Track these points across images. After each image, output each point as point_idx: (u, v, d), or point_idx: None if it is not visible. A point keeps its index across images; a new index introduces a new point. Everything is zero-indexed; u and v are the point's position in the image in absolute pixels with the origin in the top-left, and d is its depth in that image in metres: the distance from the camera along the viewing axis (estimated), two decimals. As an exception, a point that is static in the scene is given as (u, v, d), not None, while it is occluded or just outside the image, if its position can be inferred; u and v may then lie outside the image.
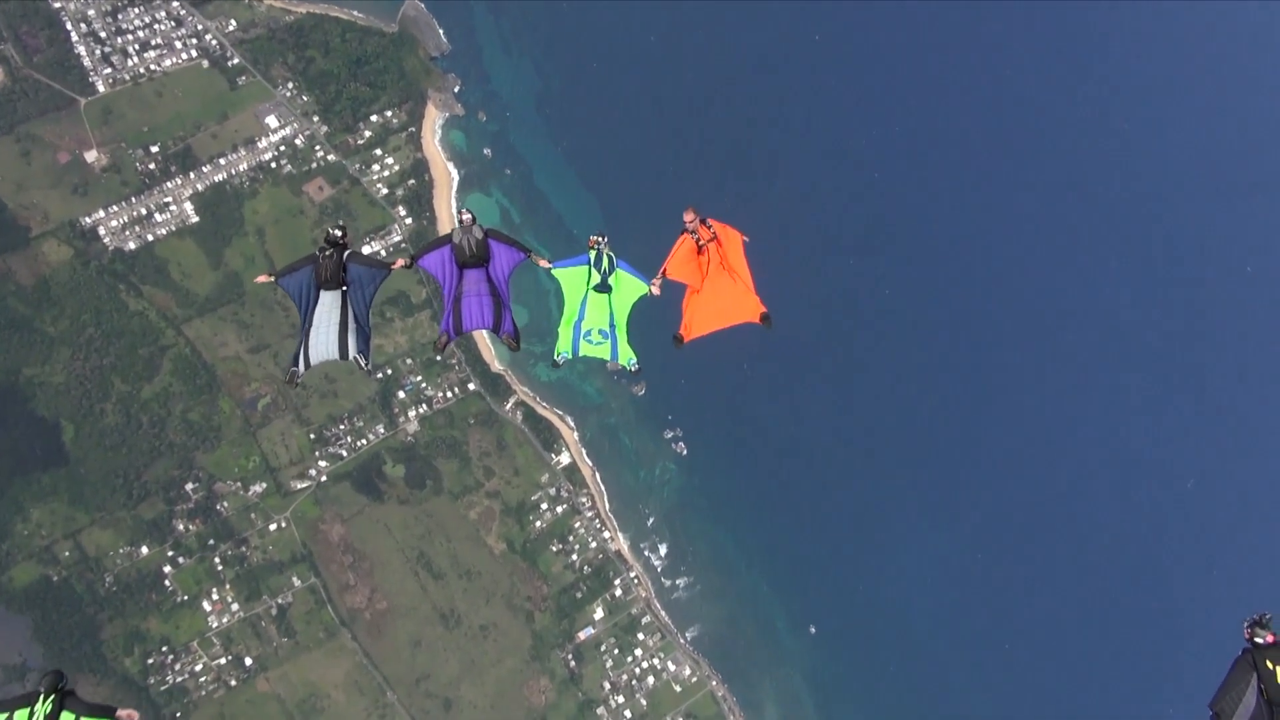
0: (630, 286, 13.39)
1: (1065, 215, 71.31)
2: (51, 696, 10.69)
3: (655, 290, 13.22)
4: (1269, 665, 9.85)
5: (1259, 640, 10.03)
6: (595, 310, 13.29)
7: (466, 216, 13.15)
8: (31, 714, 10.58)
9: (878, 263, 70.93)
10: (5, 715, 10.63)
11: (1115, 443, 69.92)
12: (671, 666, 65.34)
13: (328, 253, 12.69)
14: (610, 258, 13.21)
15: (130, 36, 66.37)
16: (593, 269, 13.18)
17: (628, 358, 13.39)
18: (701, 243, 13.38)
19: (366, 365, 13.18)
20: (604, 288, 13.19)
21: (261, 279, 13.26)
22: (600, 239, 13.32)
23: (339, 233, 12.82)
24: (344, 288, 12.72)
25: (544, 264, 13.52)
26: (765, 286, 13.59)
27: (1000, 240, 71.74)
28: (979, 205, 71.39)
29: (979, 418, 71.27)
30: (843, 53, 73.84)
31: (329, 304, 12.69)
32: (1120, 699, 66.34)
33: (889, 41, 73.88)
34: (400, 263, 13.47)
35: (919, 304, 71.44)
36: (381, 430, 65.13)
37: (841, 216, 72.23)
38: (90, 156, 64.22)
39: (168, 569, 60.76)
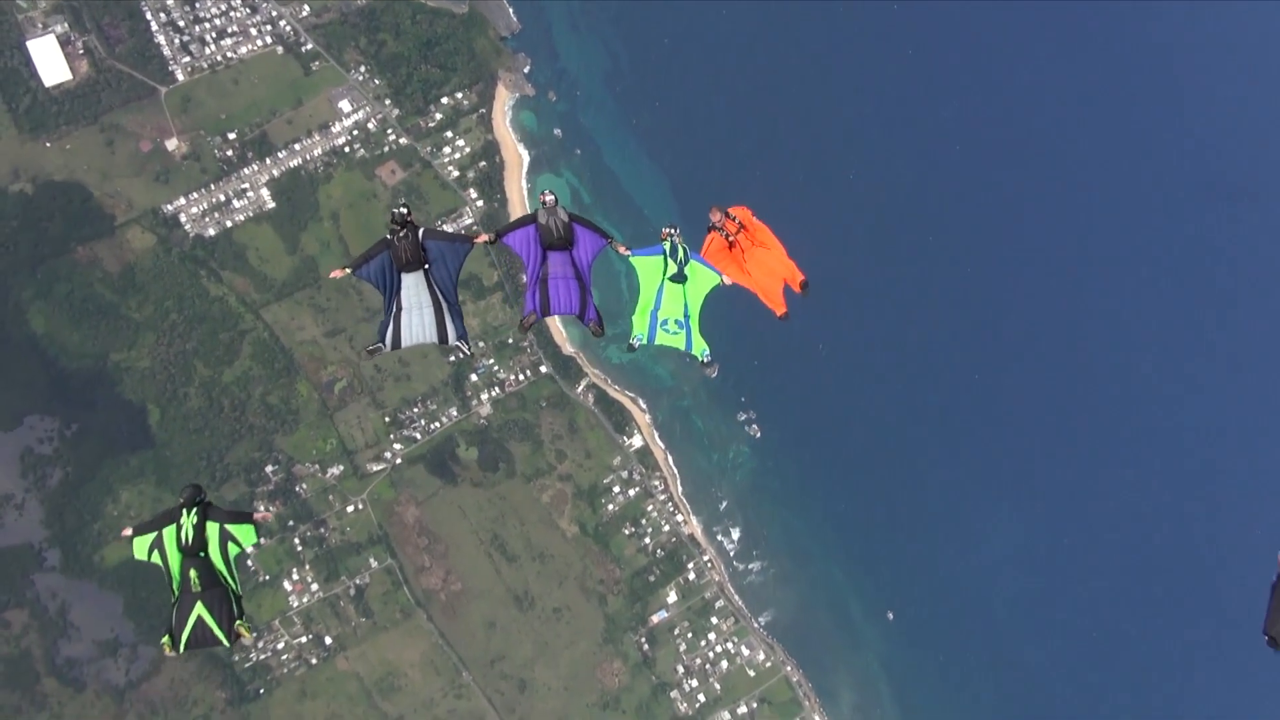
0: (704, 278, 13.62)
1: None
2: (194, 509, 11.22)
3: (727, 280, 13.52)
4: None
5: None
6: (671, 300, 13.52)
7: (550, 198, 13.16)
8: (179, 528, 11.11)
9: (959, 241, 68.57)
10: (154, 534, 11.29)
11: (1207, 423, 66.68)
12: (745, 651, 64.71)
13: (401, 233, 12.50)
14: (685, 249, 13.43)
15: (207, 25, 67.15)
16: (669, 259, 13.45)
17: (700, 349, 13.64)
18: (731, 237, 13.75)
19: (469, 350, 13.43)
20: (679, 278, 13.42)
21: (337, 274, 13.20)
22: (672, 230, 13.58)
23: (405, 210, 12.59)
24: (426, 266, 12.59)
25: (623, 250, 13.65)
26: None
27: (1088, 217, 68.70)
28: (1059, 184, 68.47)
29: (1063, 397, 68.62)
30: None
31: (414, 286, 12.57)
32: (1209, 690, 63.82)
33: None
34: (484, 237, 13.38)
35: (1003, 283, 68.96)
36: (455, 413, 65.44)
37: (916, 198, 69.98)
38: (171, 145, 65.38)
39: (249, 549, 61.98)
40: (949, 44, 71.01)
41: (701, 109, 70.92)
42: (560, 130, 70.26)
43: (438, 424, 65.13)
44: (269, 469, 62.97)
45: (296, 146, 66.87)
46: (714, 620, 64.76)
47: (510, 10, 70.44)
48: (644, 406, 67.33)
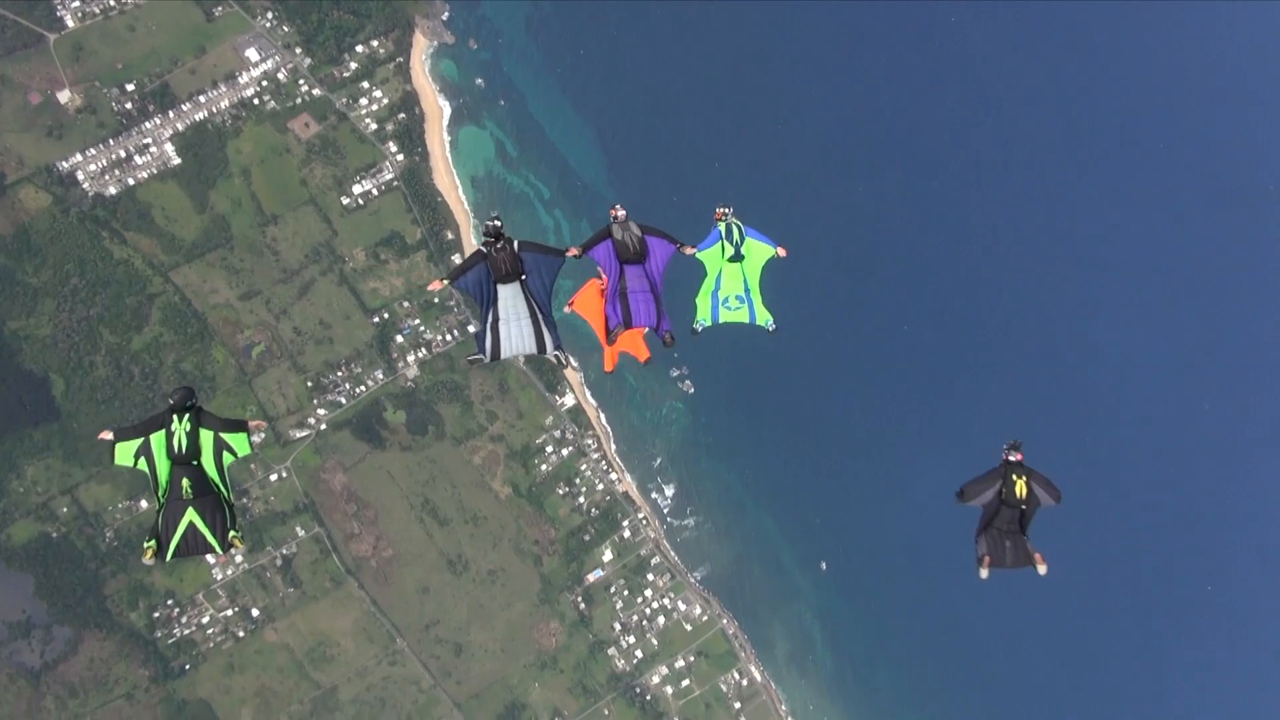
0: (759, 251, 14.01)
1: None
2: (185, 414, 10.77)
3: (782, 252, 14.00)
4: (1013, 478, 12.40)
5: (1010, 458, 12.64)
6: (730, 279, 13.88)
7: (621, 213, 13.54)
8: (169, 434, 10.65)
9: (888, 192, 68.35)
10: (139, 440, 10.79)
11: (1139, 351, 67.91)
12: (682, 606, 64.93)
13: (498, 245, 12.74)
14: (739, 227, 13.79)
15: (98, -34, 62.75)
16: (725, 242, 13.77)
17: (765, 319, 13.96)
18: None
19: (566, 362, 13.69)
20: (737, 257, 13.77)
21: (435, 285, 13.79)
22: (726, 210, 13.94)
23: (498, 223, 12.91)
24: (522, 277, 12.93)
25: (689, 251, 13.93)
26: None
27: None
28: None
29: (993, 345, 69.42)
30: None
31: (511, 296, 12.86)
32: (1129, 628, 66.27)
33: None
34: (573, 251, 13.70)
35: (923, 233, 69.02)
36: (380, 376, 63.53)
37: (842, 147, 69.42)
38: (63, 97, 61.23)
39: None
40: None
41: (627, 56, 68.90)
42: (483, 80, 67.71)
43: (363, 387, 63.17)
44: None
45: (201, 98, 63.25)
46: (650, 577, 64.72)
47: (426, -47, 67.23)
48: (575, 365, 66.18)
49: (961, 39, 69.20)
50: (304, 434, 61.92)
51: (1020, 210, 68.49)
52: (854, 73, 69.26)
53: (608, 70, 68.68)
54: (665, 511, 66.15)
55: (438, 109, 66.65)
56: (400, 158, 65.44)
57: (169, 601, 59.05)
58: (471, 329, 65.00)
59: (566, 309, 14.55)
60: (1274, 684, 65.36)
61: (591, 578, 63.90)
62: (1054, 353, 68.42)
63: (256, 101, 63.90)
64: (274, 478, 61.10)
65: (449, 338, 64.66)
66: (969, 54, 69.35)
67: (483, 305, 13.03)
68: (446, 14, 67.29)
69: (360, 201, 64.37)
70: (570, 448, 65.17)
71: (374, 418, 63.09)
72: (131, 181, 61.75)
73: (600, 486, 65.22)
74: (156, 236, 61.95)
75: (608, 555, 64.45)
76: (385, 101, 65.90)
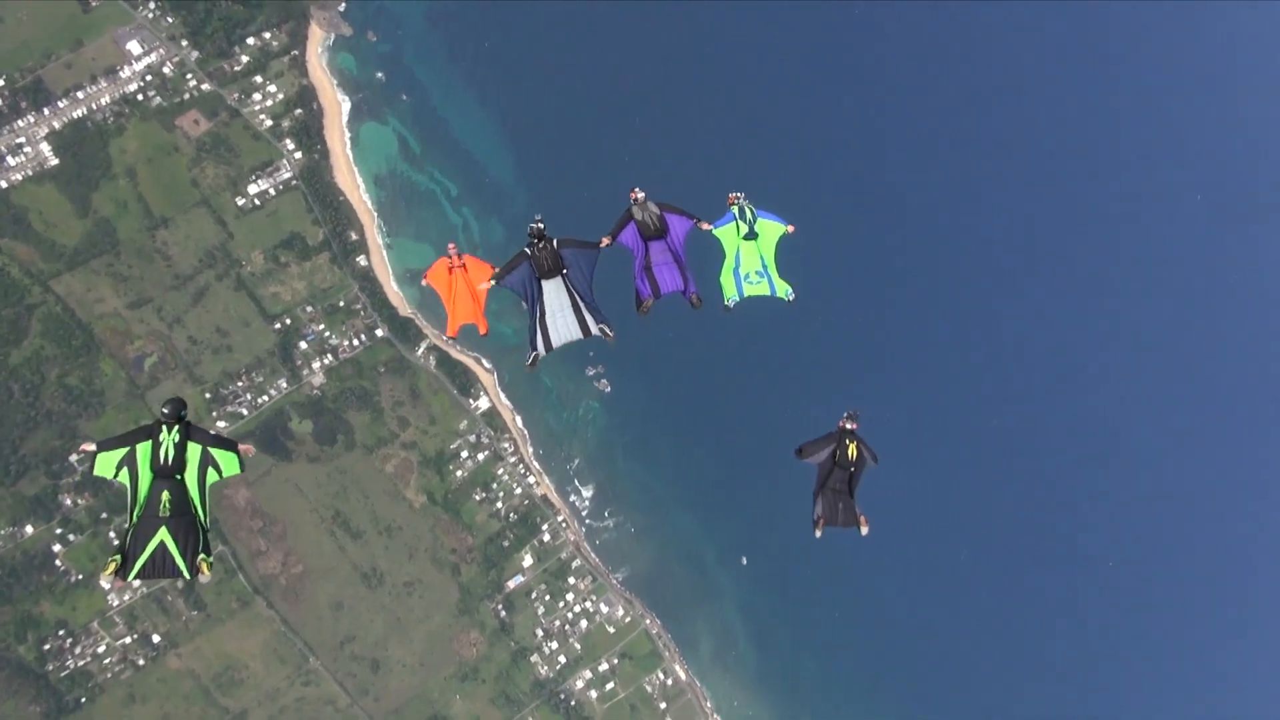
0: (771, 229, 15.12)
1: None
2: (176, 427, 10.61)
3: (791, 228, 15.08)
4: (846, 442, 13.87)
5: (847, 425, 14.02)
6: (748, 256, 14.93)
7: (640, 195, 14.54)
8: (156, 445, 10.53)
9: (801, 171, 68.32)
10: (124, 450, 10.63)
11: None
12: (604, 609, 64.14)
13: (540, 245, 13.78)
14: (751, 209, 14.91)
15: (-43, -48, 58.18)
16: (739, 222, 14.86)
17: (784, 290, 15.05)
18: (453, 266, 15.22)
19: (612, 335, 14.34)
20: (751, 235, 14.85)
21: (484, 285, 14.43)
22: (739, 195, 15.00)
23: (541, 225, 13.83)
24: (564, 272, 13.95)
25: (705, 227, 14.98)
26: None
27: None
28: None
29: (913, 332, 70.07)
30: None
31: (554, 290, 13.95)
32: (1042, 611, 68.07)
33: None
34: (605, 241, 14.56)
35: (835, 221, 69.28)
36: (284, 385, 60.87)
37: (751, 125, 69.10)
38: (-77, 94, 56.74)
39: (57, 548, 56.28)
40: None
41: (533, 47, 67.06)
42: (383, 73, 65.14)
43: (266, 397, 60.45)
44: (73, 458, 56.85)
45: (79, 94, 59.37)
46: (571, 580, 63.74)
47: (320, -60, 64.20)
48: (489, 366, 64.60)
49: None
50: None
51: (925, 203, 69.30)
52: (766, 63, 68.97)
53: (513, 63, 66.77)
54: (584, 513, 65.18)
55: (337, 104, 63.93)
56: (298, 155, 62.61)
57: (60, 632, 55.63)
58: (444, 346, 62.85)
59: (423, 283, 15.56)
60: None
61: (511, 584, 62.59)
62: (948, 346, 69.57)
63: (140, 97, 60.28)
64: (172, 495, 57.91)
65: (356, 342, 62.33)
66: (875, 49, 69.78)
67: (529, 302, 14.02)
68: (343, 5, 64.51)
69: (257, 202, 61.39)
70: (486, 452, 63.61)
71: (279, 428, 60.46)
72: (4, 184, 57.69)
73: (518, 490, 63.86)
74: (34, 243, 58.01)
75: (528, 560, 63.20)
76: (280, 97, 62.90)
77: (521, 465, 64.31)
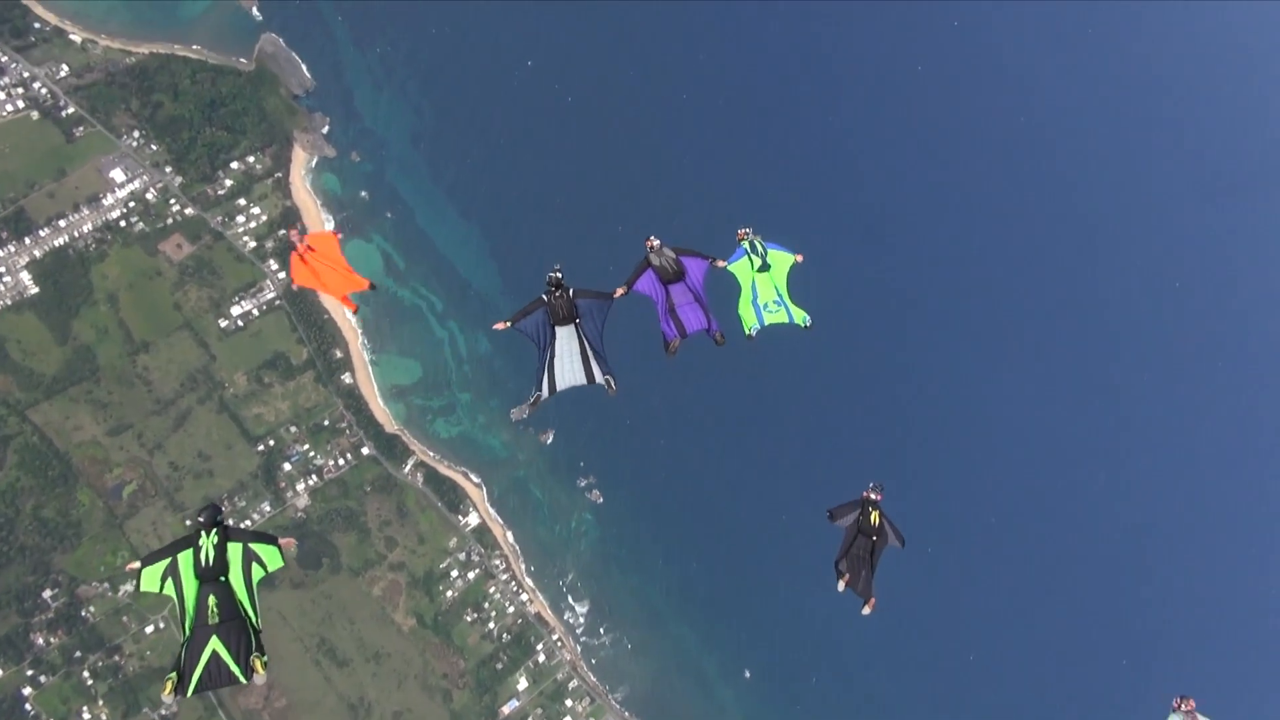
0: (782, 260, 15.75)
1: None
2: (214, 530, 10.77)
3: (800, 258, 15.78)
4: (869, 510, 14.69)
5: (871, 495, 14.81)
6: (763, 287, 15.50)
7: (656, 242, 15.15)
8: (197, 550, 10.64)
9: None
10: (167, 561, 10.73)
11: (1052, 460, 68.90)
12: (604, 731, 61.40)
13: (556, 293, 14.27)
14: (760, 243, 15.58)
15: (-57, 88, 58.85)
16: (751, 256, 15.49)
17: (801, 317, 15.53)
18: (302, 254, 15.46)
19: (615, 386, 14.53)
20: (764, 267, 15.47)
21: (500, 326, 14.65)
22: (748, 230, 15.69)
23: (559, 275, 14.35)
24: (577, 320, 14.41)
25: (721, 264, 15.62)
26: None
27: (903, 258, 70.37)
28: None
29: (902, 440, 69.46)
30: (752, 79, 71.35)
31: (566, 338, 14.31)
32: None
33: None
34: (620, 291, 15.04)
35: (836, 330, 69.35)
36: (267, 508, 59.20)
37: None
38: (-97, 227, 56.48)
39: (28, 690, 53.54)
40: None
41: (511, 160, 67.83)
42: (367, 192, 65.62)
43: (248, 522, 58.56)
44: (47, 594, 54.75)
45: (61, 223, 59.29)
46: (569, 703, 61.12)
47: (304, 67, 65.42)
48: (478, 481, 63.24)
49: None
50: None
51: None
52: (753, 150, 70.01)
53: (497, 177, 67.49)
54: (580, 631, 62.95)
55: (321, 223, 64.04)
56: (282, 275, 62.36)
57: (29, 782, 52.45)
58: (432, 463, 61.58)
59: (294, 287, 17.49)
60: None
61: (506, 710, 59.91)
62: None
63: (123, 224, 60.25)
64: (149, 630, 55.66)
65: (341, 461, 61.01)
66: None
67: (539, 346, 14.41)
68: (327, 127, 65.36)
69: (240, 323, 60.85)
70: (477, 570, 61.74)
71: (261, 554, 58.41)
72: (-18, 314, 56.97)
73: (510, 609, 61.74)
74: (12, 372, 56.98)
75: (523, 683, 60.65)
76: (264, 218, 63.08)
77: (514, 582, 62.37)
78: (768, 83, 71.05)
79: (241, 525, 56.35)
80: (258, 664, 10.65)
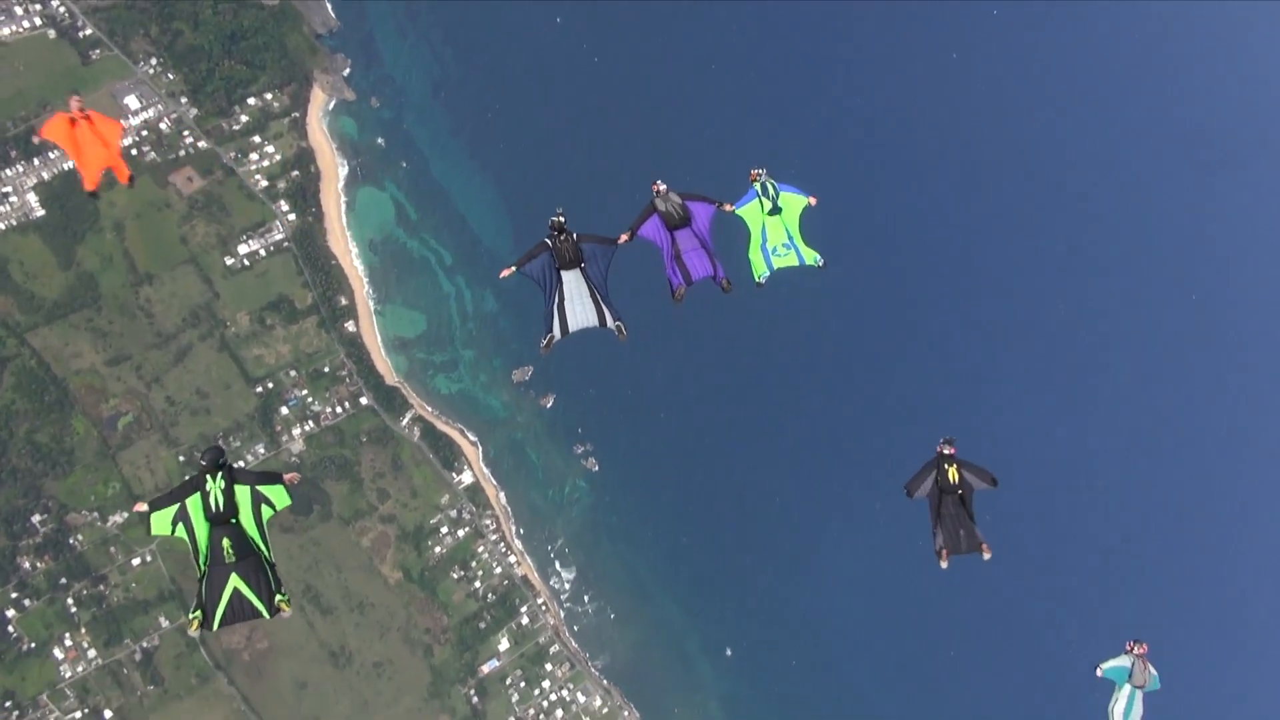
0: (794, 202, 15.32)
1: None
2: (219, 473, 10.78)
3: (813, 200, 15.37)
4: (945, 466, 14.05)
5: (944, 450, 14.19)
6: (773, 230, 15.19)
7: (662, 186, 14.77)
8: (205, 495, 10.66)
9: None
10: (176, 506, 10.75)
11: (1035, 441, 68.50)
12: (581, 698, 61.56)
13: (561, 237, 14.04)
14: (773, 184, 15.12)
15: (-41, -1, 57.69)
16: (762, 199, 15.09)
17: (813, 258, 15.22)
18: (75, 119, 14.81)
19: (625, 332, 14.31)
20: (775, 210, 15.11)
21: (505, 273, 14.38)
22: (760, 171, 15.18)
23: (562, 218, 14.10)
24: (582, 265, 14.16)
25: (729, 208, 15.24)
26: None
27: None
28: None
29: (896, 421, 68.95)
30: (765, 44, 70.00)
31: (573, 281, 14.09)
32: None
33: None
34: (624, 237, 14.77)
35: (838, 309, 68.60)
36: (262, 450, 58.88)
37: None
38: (-88, 138, 55.63)
39: (11, 613, 53.60)
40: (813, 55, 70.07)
41: (534, 117, 66.69)
42: (383, 139, 64.63)
43: (242, 463, 58.23)
44: (36, 518, 54.59)
45: (72, 146, 58.21)
46: (548, 667, 61.22)
47: (328, 5, 64.24)
48: (474, 440, 62.89)
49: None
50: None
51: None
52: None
53: (517, 133, 66.36)
54: (564, 597, 62.94)
55: (334, 167, 63.19)
56: (292, 217, 61.64)
57: (7, 704, 52.58)
58: (430, 417, 61.17)
59: (36, 139, 17.03)
60: None
61: (486, 669, 60.00)
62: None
63: (135, 152, 59.28)
64: (136, 562, 55.55)
65: (339, 410, 60.62)
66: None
67: (546, 289, 14.16)
68: (348, 70, 64.24)
69: (246, 262, 60.17)
70: (467, 528, 61.58)
71: (253, 496, 58.23)
72: (-14, 233, 56.31)
73: (498, 570, 61.67)
74: (13, 294, 56.41)
75: (504, 644, 60.70)
76: (278, 158, 62.17)
77: (503, 544, 62.25)
78: (792, 45, 69.84)
79: (239, 465, 56.40)
80: (282, 604, 10.89)
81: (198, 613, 10.72)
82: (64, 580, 54.40)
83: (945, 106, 69.64)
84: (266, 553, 11.02)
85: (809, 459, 68.23)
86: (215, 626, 10.76)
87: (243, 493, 10.89)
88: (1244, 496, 69.11)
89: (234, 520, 10.76)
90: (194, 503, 10.80)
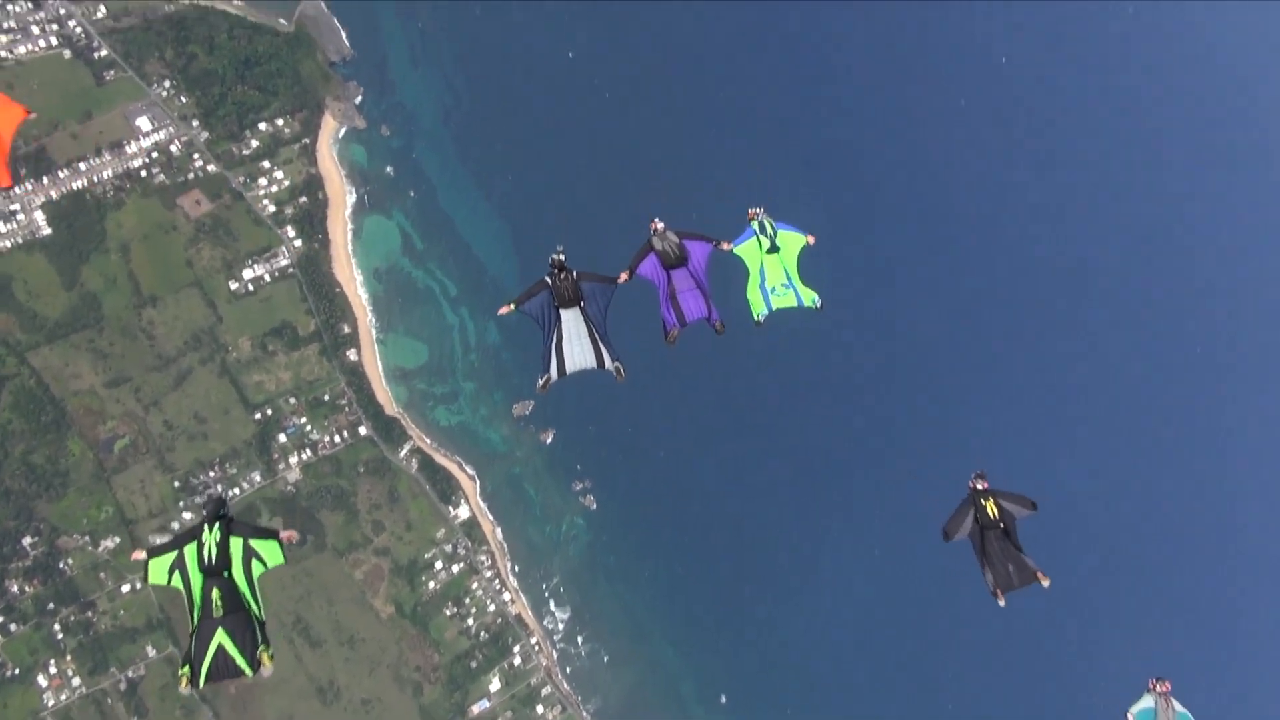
0: (792, 241, 15.12)
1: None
2: (217, 524, 10.82)
3: (811, 239, 15.12)
4: (981, 502, 13.44)
5: (977, 486, 13.62)
6: (772, 269, 14.91)
7: (660, 225, 14.57)
8: (200, 545, 10.71)
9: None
10: (174, 554, 10.75)
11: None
12: (572, 741, 60.47)
13: (561, 275, 13.75)
14: (770, 223, 14.93)
15: (-22, 17, 57.88)
16: (760, 237, 14.89)
17: (811, 298, 14.89)
18: None
19: (624, 373, 14.02)
20: (773, 249, 14.86)
21: (504, 310, 14.10)
22: (758, 210, 15.07)
23: (562, 256, 13.83)
24: (581, 303, 13.84)
25: (726, 247, 15.02)
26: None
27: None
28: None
29: (893, 467, 68.17)
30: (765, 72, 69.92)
31: (572, 320, 13.77)
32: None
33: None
34: (624, 276, 14.58)
35: (838, 357, 67.99)
36: (258, 478, 58.29)
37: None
38: (-79, 154, 55.46)
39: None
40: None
41: (544, 153, 66.51)
42: (393, 168, 64.47)
43: (237, 490, 57.76)
44: (26, 541, 53.92)
45: (82, 166, 58.32)
46: (539, 710, 60.18)
47: (343, 34, 64.24)
48: (473, 474, 62.20)
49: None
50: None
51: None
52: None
53: (525, 166, 66.23)
54: (558, 637, 61.97)
55: (343, 195, 63.01)
56: (298, 243, 61.38)
57: (-12, 731, 51.80)
58: (429, 450, 60.57)
59: None
60: None
61: (476, 709, 58.97)
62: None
63: (144, 174, 59.25)
64: (126, 588, 54.82)
65: (339, 439, 60.01)
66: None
67: (545, 328, 13.90)
68: (360, 98, 64.20)
69: (250, 287, 59.86)
70: (461, 564, 60.75)
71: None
72: (-9, 251, 56.12)
73: (491, 608, 60.77)
74: (15, 312, 56.11)
75: (495, 684, 59.70)
76: (287, 183, 62.01)
77: (497, 580, 61.40)
78: (799, 88, 69.97)
79: (234, 493, 55.64)
80: (264, 657, 10.73)
81: (186, 668, 10.56)
82: (52, 605, 53.69)
83: (951, 147, 69.64)
84: (256, 609, 10.95)
85: (808, 502, 67.53)
86: (201, 684, 10.51)
87: (236, 545, 10.87)
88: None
89: (226, 573, 10.73)
90: (190, 552, 10.78)
